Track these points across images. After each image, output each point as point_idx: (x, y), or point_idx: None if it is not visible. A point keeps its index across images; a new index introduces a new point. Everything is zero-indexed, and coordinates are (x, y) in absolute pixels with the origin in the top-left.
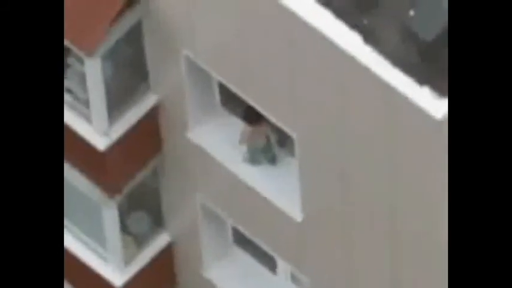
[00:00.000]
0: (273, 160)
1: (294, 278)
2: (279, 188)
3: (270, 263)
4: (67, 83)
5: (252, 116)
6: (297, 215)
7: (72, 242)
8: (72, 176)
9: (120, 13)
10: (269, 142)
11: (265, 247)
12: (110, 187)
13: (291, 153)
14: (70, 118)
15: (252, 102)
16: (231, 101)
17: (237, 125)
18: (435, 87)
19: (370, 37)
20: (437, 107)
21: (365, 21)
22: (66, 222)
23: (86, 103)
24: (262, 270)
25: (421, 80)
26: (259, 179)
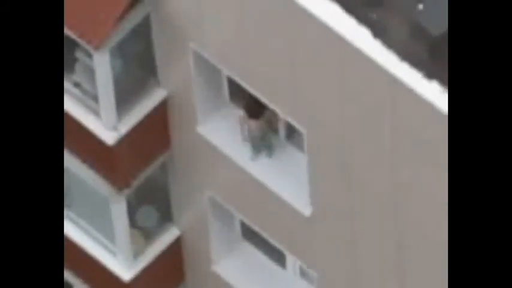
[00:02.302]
0: (269, 153)
1: (302, 272)
2: (287, 182)
3: (279, 258)
4: (76, 77)
5: (254, 109)
6: (306, 209)
7: (80, 236)
8: (81, 170)
9: (129, 7)
10: (266, 132)
11: (273, 241)
12: (118, 181)
13: (300, 147)
14: (79, 112)
15: (260, 97)
16: (240, 95)
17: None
18: (443, 82)
19: (378, 32)
20: (446, 101)
21: (374, 16)
22: (75, 216)
23: (95, 98)
24: (270, 264)
25: (430, 74)
26: (268, 173)
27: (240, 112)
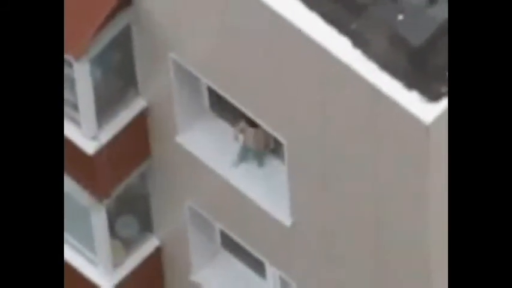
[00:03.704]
0: (260, 163)
1: (282, 283)
2: (267, 192)
3: (259, 268)
4: None
5: (248, 120)
6: (286, 219)
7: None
8: None
9: (109, 17)
10: (266, 147)
11: (253, 251)
12: (98, 191)
13: (280, 158)
14: None
15: (240, 107)
16: (220, 105)
17: (226, 129)
18: (424, 92)
19: (358, 41)
20: (426, 111)
21: (353, 26)
22: None
23: (75, 107)
24: (250, 274)
25: (410, 84)
26: (248, 183)
27: (224, 124)
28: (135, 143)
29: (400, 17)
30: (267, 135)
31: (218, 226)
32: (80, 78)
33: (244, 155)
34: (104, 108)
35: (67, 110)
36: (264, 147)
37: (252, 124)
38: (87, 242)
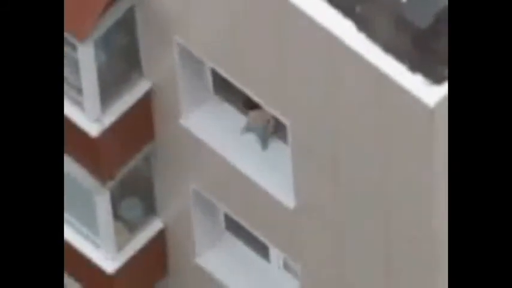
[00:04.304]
0: (264, 142)
1: (286, 265)
2: (271, 175)
3: (263, 250)
4: None
5: (252, 101)
6: (290, 202)
7: (64, 228)
8: (65, 163)
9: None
10: (266, 125)
11: (257, 234)
12: (102, 174)
13: (284, 140)
14: None
15: (244, 89)
16: (224, 88)
17: (230, 112)
18: (428, 75)
19: (363, 25)
20: (430, 94)
21: (358, 9)
22: None
23: (79, 90)
24: (254, 257)
25: (414, 67)
26: (252, 165)
27: (228, 106)
28: (139, 126)
29: (404, 0)
30: (269, 115)
31: (222, 209)
32: (84, 61)
33: (250, 130)
34: (108, 91)
35: (71, 92)
36: (266, 125)
37: (252, 106)
38: (91, 224)
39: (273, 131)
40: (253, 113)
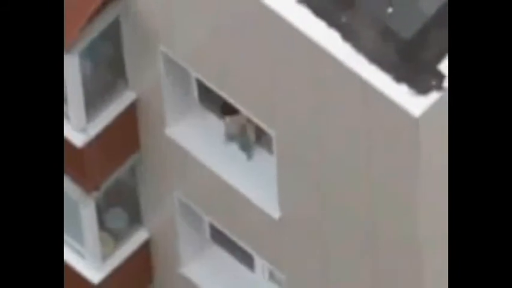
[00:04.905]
0: (248, 152)
1: (271, 275)
2: (256, 185)
3: (248, 260)
4: None
5: (229, 107)
6: (275, 212)
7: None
8: None
9: (99, 10)
10: (245, 131)
11: (242, 244)
12: (87, 184)
13: (269, 150)
14: None
15: (230, 99)
16: (209, 97)
17: (215, 122)
18: (413, 85)
19: (348, 35)
20: (415, 104)
21: (343, 19)
22: None
23: (64, 99)
24: (239, 267)
25: (399, 77)
26: (237, 176)
27: (213, 116)
28: (124, 136)
29: (390, 10)
30: (244, 120)
31: (207, 219)
32: (69, 71)
33: (231, 139)
34: (93, 101)
35: None
36: (245, 133)
37: (228, 112)
38: (76, 234)
39: (255, 139)
40: (228, 118)
